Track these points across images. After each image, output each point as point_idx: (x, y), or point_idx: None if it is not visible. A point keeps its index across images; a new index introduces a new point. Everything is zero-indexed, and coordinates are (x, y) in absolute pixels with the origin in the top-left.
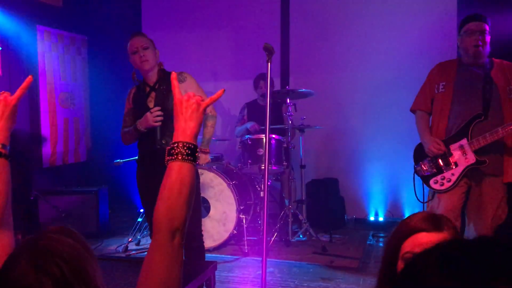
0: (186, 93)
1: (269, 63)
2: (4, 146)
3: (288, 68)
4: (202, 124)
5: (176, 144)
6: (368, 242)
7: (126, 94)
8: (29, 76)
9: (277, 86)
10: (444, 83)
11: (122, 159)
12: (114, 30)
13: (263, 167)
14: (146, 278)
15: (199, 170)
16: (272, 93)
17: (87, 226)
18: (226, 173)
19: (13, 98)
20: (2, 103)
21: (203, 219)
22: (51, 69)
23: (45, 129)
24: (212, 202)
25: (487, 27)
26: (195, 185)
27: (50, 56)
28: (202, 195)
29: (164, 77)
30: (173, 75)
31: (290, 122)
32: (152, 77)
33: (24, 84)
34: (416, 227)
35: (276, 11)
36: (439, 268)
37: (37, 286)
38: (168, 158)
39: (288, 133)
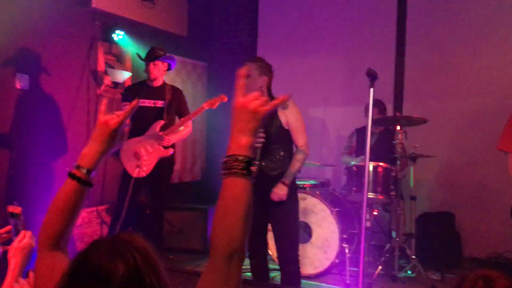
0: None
1: (371, 89)
2: (89, 172)
3: (402, 94)
4: (258, 132)
5: (231, 157)
6: None
7: None
8: (135, 100)
9: (390, 112)
10: None
11: None
12: (232, 57)
13: (369, 196)
14: None
15: (303, 195)
16: (382, 119)
17: (194, 242)
18: (330, 200)
19: (114, 122)
20: (103, 126)
21: (304, 245)
22: None
23: None
24: (314, 228)
25: None
26: (252, 202)
27: (174, 82)
28: (304, 220)
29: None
30: (242, 71)
31: (400, 150)
32: None
33: (129, 107)
34: None
35: (391, 35)
36: None
37: (112, 268)
38: (222, 172)
39: (397, 162)
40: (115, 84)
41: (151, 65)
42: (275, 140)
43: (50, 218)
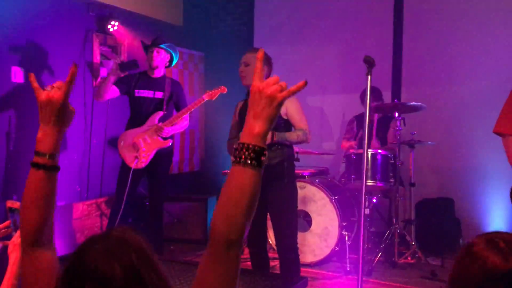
0: (274, 88)
1: (369, 76)
2: (51, 156)
3: (400, 81)
4: (274, 121)
5: (242, 145)
6: None
7: None
8: (72, 65)
9: (388, 100)
10: None
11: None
12: (229, 46)
13: (368, 183)
14: None
15: (302, 183)
16: (379, 107)
17: (194, 232)
18: (329, 188)
19: (59, 97)
20: (47, 104)
21: (304, 233)
22: None
23: None
24: (314, 217)
25: None
26: (257, 194)
27: (169, 73)
28: (304, 208)
29: None
30: (260, 54)
31: (398, 137)
32: None
33: (69, 76)
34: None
35: (388, 22)
36: None
37: (107, 269)
38: (232, 159)
39: (396, 149)
40: None
41: (155, 52)
42: (274, 130)
43: (25, 213)
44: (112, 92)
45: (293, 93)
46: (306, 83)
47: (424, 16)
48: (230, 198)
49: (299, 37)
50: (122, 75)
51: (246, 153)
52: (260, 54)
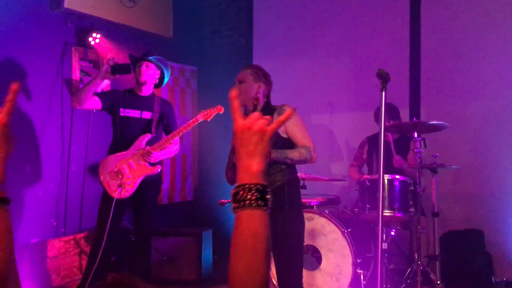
0: (254, 118)
1: (383, 92)
2: None
3: (419, 97)
4: (268, 157)
5: (242, 187)
6: None
7: None
8: (13, 84)
9: (405, 118)
10: None
11: (227, 199)
12: (225, 59)
13: (385, 213)
14: None
15: (310, 215)
16: (396, 126)
17: (187, 272)
18: (341, 219)
19: (1, 118)
20: None
21: (313, 272)
22: None
23: None
24: (323, 253)
25: None
26: (270, 236)
27: (159, 89)
28: (312, 243)
29: (268, 112)
30: (232, 93)
31: (418, 160)
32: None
33: (9, 95)
34: None
35: (403, 30)
36: None
37: None
38: (234, 205)
39: (416, 174)
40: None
41: (144, 66)
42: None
43: None
44: (93, 102)
45: (282, 123)
46: (294, 110)
47: (444, 24)
48: (246, 248)
49: (303, 48)
50: (112, 78)
51: (249, 194)
52: (233, 94)
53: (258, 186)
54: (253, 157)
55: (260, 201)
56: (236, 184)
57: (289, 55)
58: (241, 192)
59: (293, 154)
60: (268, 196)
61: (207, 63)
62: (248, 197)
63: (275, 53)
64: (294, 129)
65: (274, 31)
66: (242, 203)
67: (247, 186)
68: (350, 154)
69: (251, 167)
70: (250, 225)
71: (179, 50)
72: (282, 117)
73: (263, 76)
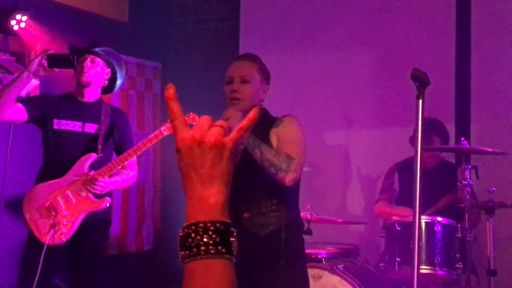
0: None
1: (420, 100)
2: None
3: (469, 110)
4: (231, 182)
5: (194, 228)
6: None
7: None
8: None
9: (451, 140)
10: None
11: None
12: (201, 54)
13: (422, 270)
14: None
15: (317, 271)
16: (438, 150)
17: None
18: (361, 278)
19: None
20: None
21: None
22: None
23: None
24: None
25: None
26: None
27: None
28: None
29: (264, 125)
30: (169, 92)
31: (468, 196)
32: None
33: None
34: None
35: (448, 19)
36: None
37: None
38: (183, 254)
39: (465, 216)
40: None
41: (88, 61)
42: (263, 179)
43: None
44: (16, 111)
45: (247, 129)
46: (259, 111)
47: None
48: None
49: (310, 40)
50: (43, 76)
51: (205, 237)
52: (169, 92)
53: (218, 225)
54: (209, 184)
55: (220, 247)
56: (185, 224)
57: (290, 49)
58: (193, 235)
59: (268, 151)
60: (232, 239)
61: (176, 58)
62: (204, 241)
63: (271, 45)
64: (286, 139)
65: (270, 15)
66: (194, 250)
67: (201, 225)
68: (371, 187)
69: (207, 199)
70: (206, 280)
71: (138, 40)
72: (245, 122)
73: (264, 73)
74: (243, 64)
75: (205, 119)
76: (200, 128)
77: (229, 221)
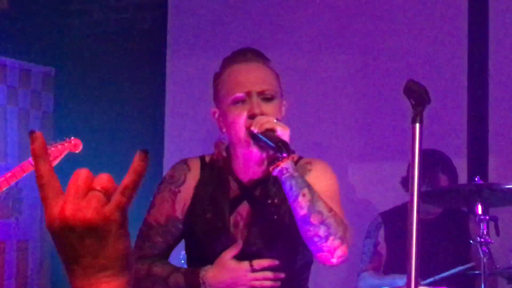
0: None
1: (417, 124)
2: None
3: (486, 138)
4: (131, 260)
5: None
6: None
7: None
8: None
9: (462, 177)
10: None
11: None
12: (112, 55)
13: None
14: None
15: None
16: (440, 193)
17: None
18: None
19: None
20: None
21: None
22: None
23: None
24: None
25: None
26: None
27: None
28: None
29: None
30: (35, 143)
31: (484, 259)
32: (254, 167)
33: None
34: None
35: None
36: None
37: None
38: None
39: (480, 286)
40: None
41: None
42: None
43: None
44: None
45: (135, 187)
46: (146, 156)
47: None
48: None
49: (271, 43)
50: None
51: None
52: (36, 144)
53: None
54: (94, 277)
55: None
56: None
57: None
58: None
59: (320, 201)
60: None
61: (76, 61)
62: None
63: (215, 44)
64: (326, 194)
65: (211, 5)
66: None
67: None
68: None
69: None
70: None
71: (22, 35)
72: (130, 177)
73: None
74: (257, 69)
75: (81, 177)
76: (73, 195)
77: None
